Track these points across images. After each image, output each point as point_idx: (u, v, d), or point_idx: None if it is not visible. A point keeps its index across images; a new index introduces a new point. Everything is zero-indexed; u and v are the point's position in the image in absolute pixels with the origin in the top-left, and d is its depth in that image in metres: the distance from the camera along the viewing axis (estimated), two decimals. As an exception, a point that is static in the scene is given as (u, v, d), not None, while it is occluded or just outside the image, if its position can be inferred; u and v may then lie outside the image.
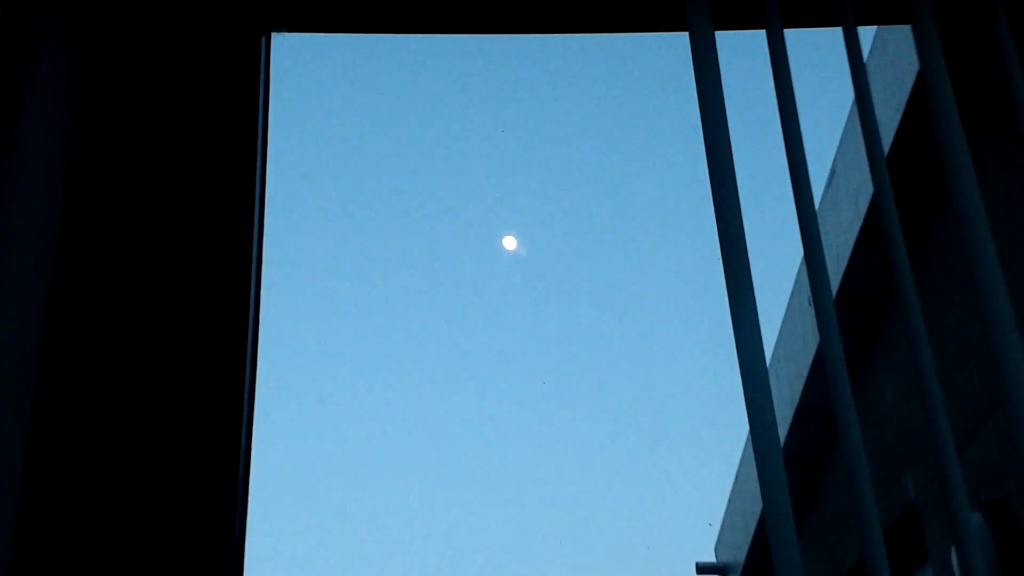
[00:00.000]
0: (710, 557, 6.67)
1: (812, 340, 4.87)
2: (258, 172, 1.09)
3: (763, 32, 1.22)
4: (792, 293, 5.17)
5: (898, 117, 3.56)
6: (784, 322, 5.33)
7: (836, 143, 4.37)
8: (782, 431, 5.36)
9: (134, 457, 0.92)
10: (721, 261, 1.10)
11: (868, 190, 4.08)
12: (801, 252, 1.16)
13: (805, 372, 4.97)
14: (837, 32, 1.25)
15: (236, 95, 1.10)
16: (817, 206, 4.91)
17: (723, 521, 6.55)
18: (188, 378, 0.96)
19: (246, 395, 0.97)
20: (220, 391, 0.95)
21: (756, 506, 5.87)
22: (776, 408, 5.78)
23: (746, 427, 1.07)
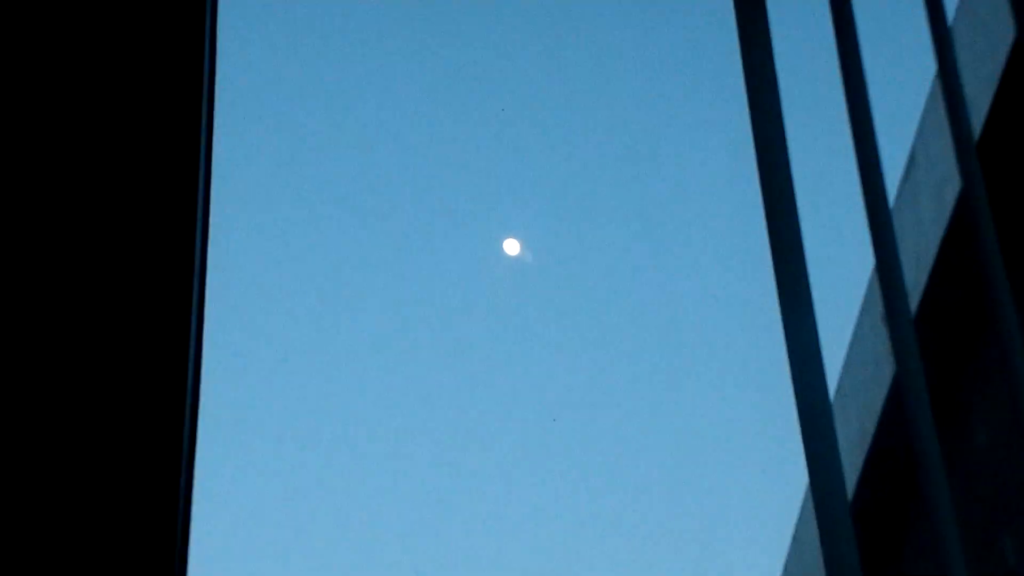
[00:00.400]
0: (761, 638, 6.65)
1: (887, 368, 4.86)
2: (202, 166, 1.10)
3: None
4: (861, 310, 5.17)
5: (990, 93, 3.57)
6: (851, 346, 5.32)
7: (915, 124, 4.38)
8: (850, 482, 5.35)
9: (59, 457, 0.95)
10: (772, 270, 1.10)
11: (955, 182, 4.08)
12: (872, 258, 1.16)
13: (878, 408, 4.96)
14: (915, -13, 1.25)
15: (174, 67, 1.11)
16: (892, 201, 4.91)
17: (777, 593, 6.53)
18: (119, 378, 0.98)
19: (188, 408, 0.99)
20: (159, 401, 0.98)
21: (818, 574, 5.86)
22: (842, 453, 5.77)
23: (804, 477, 1.06)
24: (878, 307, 4.96)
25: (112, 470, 0.96)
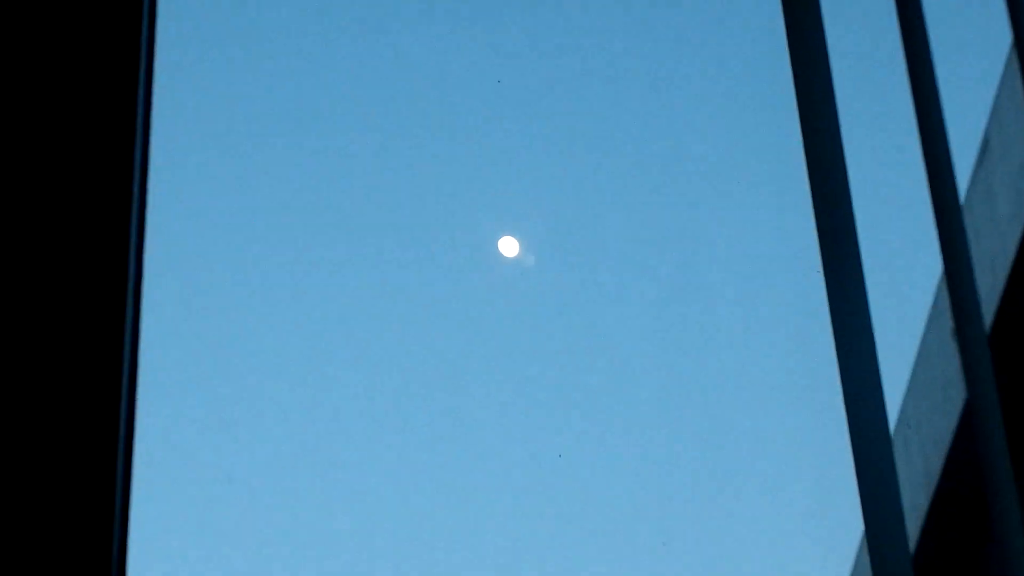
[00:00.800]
0: None
1: (957, 392, 4.87)
2: (137, 157, 1.11)
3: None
4: (927, 324, 5.18)
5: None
6: (916, 367, 5.33)
7: (989, 105, 4.39)
8: (913, 526, 5.35)
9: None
10: (823, 277, 1.11)
11: (1037, 172, 4.09)
12: (940, 263, 1.17)
13: (947, 439, 4.97)
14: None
15: (109, 50, 1.12)
16: (962, 196, 4.91)
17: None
18: (48, 380, 1.00)
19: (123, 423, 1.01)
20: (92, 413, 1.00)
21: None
22: (904, 492, 5.75)
23: (859, 523, 1.07)
24: (947, 320, 4.97)
25: (45, 473, 0.98)
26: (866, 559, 6.08)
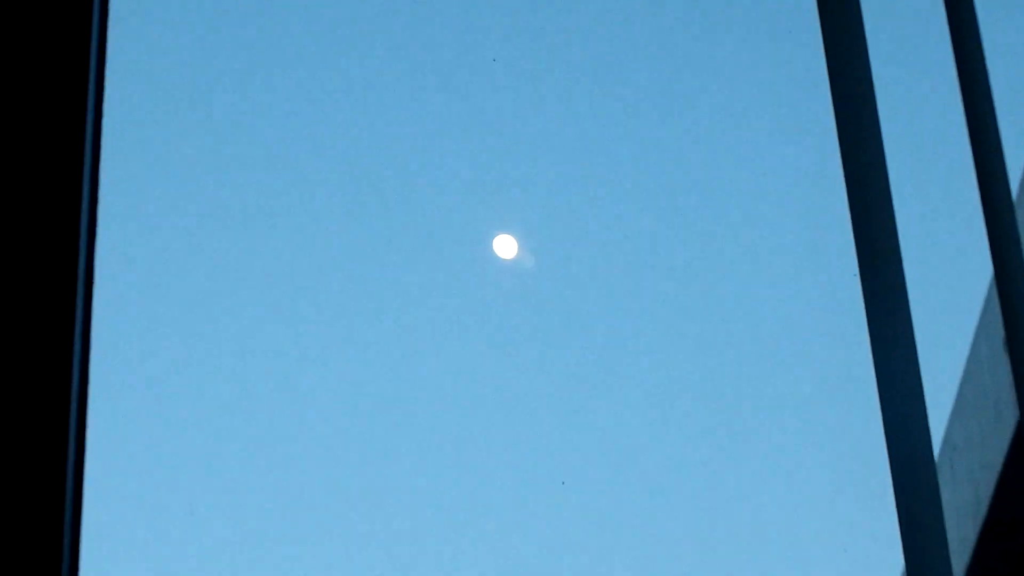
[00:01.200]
0: None
1: (1009, 410, 4.87)
2: (87, 161, 1.12)
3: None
4: (976, 334, 5.18)
5: None
6: (963, 384, 5.33)
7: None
8: (959, 561, 5.35)
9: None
10: (860, 286, 1.11)
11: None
12: (990, 269, 1.17)
13: (999, 463, 4.97)
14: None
15: (57, 49, 1.13)
16: (1015, 194, 4.91)
17: None
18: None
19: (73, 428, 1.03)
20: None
21: None
22: (949, 523, 5.76)
23: (899, 556, 1.07)
24: (998, 331, 4.97)
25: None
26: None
